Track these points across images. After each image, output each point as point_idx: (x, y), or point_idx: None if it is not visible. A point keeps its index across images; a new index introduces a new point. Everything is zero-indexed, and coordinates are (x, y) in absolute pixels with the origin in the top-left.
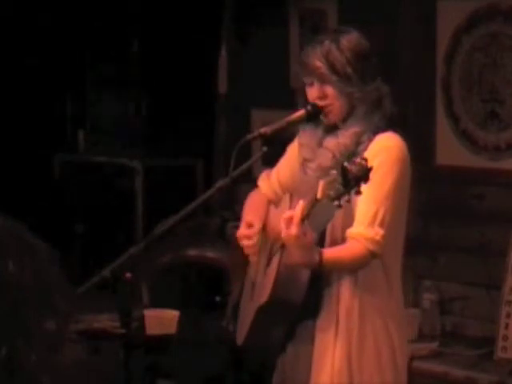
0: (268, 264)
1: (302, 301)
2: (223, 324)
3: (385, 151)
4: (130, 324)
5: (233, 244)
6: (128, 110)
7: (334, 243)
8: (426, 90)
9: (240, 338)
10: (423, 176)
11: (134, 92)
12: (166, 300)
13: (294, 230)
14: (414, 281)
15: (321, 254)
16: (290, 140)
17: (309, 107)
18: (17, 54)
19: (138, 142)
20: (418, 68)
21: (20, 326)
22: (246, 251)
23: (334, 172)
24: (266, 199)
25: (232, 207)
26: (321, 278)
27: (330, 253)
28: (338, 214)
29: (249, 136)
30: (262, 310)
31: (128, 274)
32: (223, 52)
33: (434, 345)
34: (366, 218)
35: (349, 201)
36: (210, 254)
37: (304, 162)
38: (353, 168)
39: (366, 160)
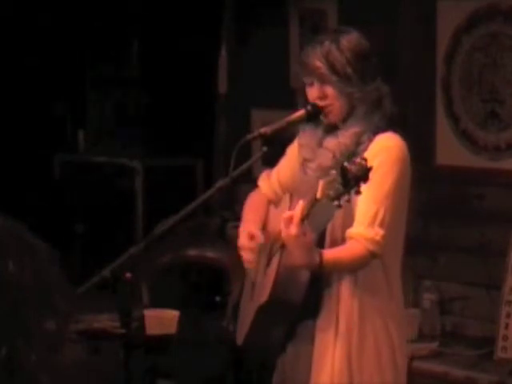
0: (268, 264)
1: (302, 301)
2: (223, 324)
3: (385, 151)
4: (130, 324)
5: (233, 244)
6: (128, 110)
7: (334, 243)
8: (426, 90)
9: (240, 338)
10: (423, 176)
11: (134, 92)
12: (166, 300)
13: (293, 229)
14: (413, 281)
15: (321, 255)
16: (290, 140)
17: (309, 107)
18: (17, 54)
19: (138, 142)
20: (418, 68)
21: (20, 326)
22: (246, 264)
23: (333, 172)
24: (266, 199)
25: (232, 207)
26: (321, 278)
27: (330, 254)
28: (338, 214)
29: (249, 136)
30: (262, 310)
31: (128, 274)
32: (223, 52)
33: (434, 345)
34: (366, 218)
35: (349, 201)
36: (210, 254)
37: (304, 162)
38: (352, 168)
39: (365, 160)
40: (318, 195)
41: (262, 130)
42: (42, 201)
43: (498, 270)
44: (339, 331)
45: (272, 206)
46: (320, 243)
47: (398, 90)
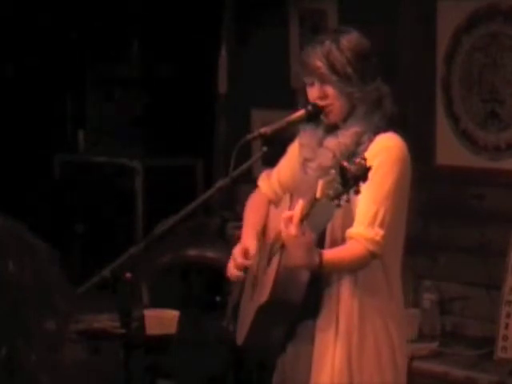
0: (268, 264)
1: (302, 301)
2: (223, 324)
3: (385, 151)
4: (130, 324)
5: (233, 244)
6: (128, 110)
7: (334, 243)
8: (426, 90)
9: (240, 338)
10: (423, 176)
11: (134, 92)
12: (166, 300)
13: (293, 229)
14: (413, 281)
15: (321, 256)
16: (290, 140)
17: (309, 107)
18: (17, 54)
19: (138, 142)
20: (418, 68)
21: (20, 326)
22: (230, 276)
23: (332, 171)
24: (266, 200)
25: (232, 207)
26: (320, 278)
27: (329, 254)
28: (338, 214)
29: (249, 136)
30: (262, 310)
31: (128, 274)
32: (223, 52)
33: (434, 345)
34: (366, 219)
35: (348, 200)
36: (210, 254)
37: (304, 161)
38: (352, 167)
39: (364, 159)
40: (318, 195)
41: (262, 129)
42: (42, 201)
43: (498, 270)
44: (339, 331)
45: (272, 206)
46: (320, 243)
47: (398, 90)
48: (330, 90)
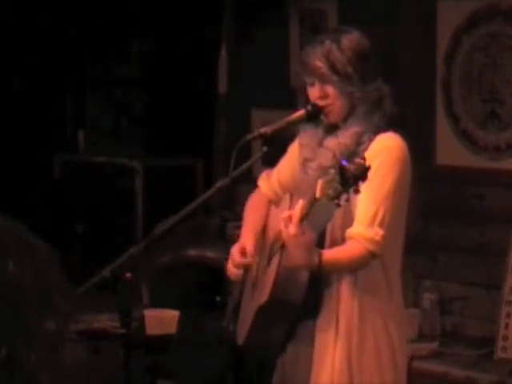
0: (268, 264)
1: (302, 301)
2: (223, 324)
3: (385, 151)
4: (130, 324)
5: (233, 244)
6: (128, 110)
7: (334, 243)
8: (426, 90)
9: (240, 338)
10: (423, 176)
11: (134, 92)
12: (166, 300)
13: (292, 229)
14: (414, 281)
15: (320, 256)
16: (290, 140)
17: (309, 107)
18: (17, 54)
19: (138, 142)
20: (418, 68)
21: (20, 326)
22: (230, 275)
23: (332, 171)
24: (266, 200)
25: (232, 207)
26: (320, 278)
27: (329, 254)
28: (338, 214)
29: (249, 136)
30: (262, 310)
31: (128, 274)
32: (223, 52)
33: (434, 345)
34: (366, 218)
35: (348, 200)
36: (210, 254)
37: (304, 161)
38: (351, 167)
39: (364, 159)
40: (317, 194)
41: (262, 129)
42: (42, 201)
43: (498, 270)
44: (339, 331)
45: (273, 206)
46: (320, 243)
47: (398, 90)
48: (330, 89)
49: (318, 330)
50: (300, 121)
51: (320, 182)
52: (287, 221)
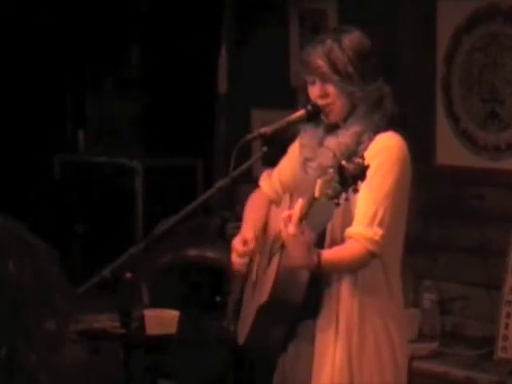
0: (268, 264)
1: (302, 301)
2: (223, 324)
3: (385, 151)
4: (130, 324)
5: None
6: (128, 110)
7: (334, 243)
8: (425, 90)
9: (241, 338)
10: (423, 176)
11: (134, 92)
12: (166, 300)
13: (291, 228)
14: (413, 281)
15: (319, 256)
16: (290, 140)
17: (309, 107)
18: (17, 54)
19: (138, 142)
20: (418, 68)
21: (20, 326)
22: (234, 267)
23: (331, 171)
24: (267, 199)
25: (232, 207)
26: (320, 278)
27: (328, 254)
28: (337, 214)
29: (249, 136)
30: (262, 310)
31: (128, 274)
32: (223, 52)
33: (434, 345)
34: (365, 218)
35: (347, 199)
36: (210, 254)
37: (305, 161)
38: (350, 166)
39: (362, 158)
40: (316, 194)
41: (262, 129)
42: (42, 201)
43: (498, 269)
44: (339, 331)
45: (273, 206)
46: (320, 243)
47: (398, 90)
48: (330, 88)
49: (319, 329)
50: (300, 121)
51: (319, 182)
52: (286, 220)
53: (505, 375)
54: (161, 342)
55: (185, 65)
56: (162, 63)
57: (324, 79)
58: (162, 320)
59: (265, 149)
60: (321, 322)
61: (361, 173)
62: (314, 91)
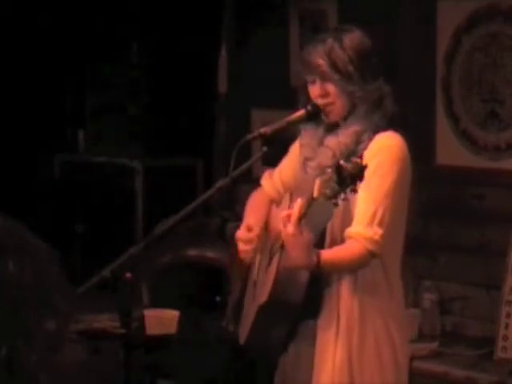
0: (269, 263)
1: (302, 301)
2: (223, 324)
3: (385, 150)
4: (130, 324)
5: (232, 244)
6: (128, 109)
7: (334, 243)
8: (425, 90)
9: (242, 338)
10: (423, 176)
11: (134, 92)
12: (166, 300)
13: (290, 228)
14: (414, 281)
15: (319, 256)
16: (290, 140)
17: (309, 107)
18: (17, 54)
19: (138, 142)
20: (418, 68)
21: (20, 326)
22: (241, 255)
23: (329, 170)
24: (267, 199)
25: (232, 207)
26: (320, 278)
27: (328, 254)
28: (337, 214)
29: (249, 136)
30: (262, 310)
31: (128, 274)
32: (223, 52)
33: (434, 345)
34: (365, 218)
35: (345, 199)
36: (210, 254)
37: (305, 161)
38: (348, 166)
39: (361, 158)
40: (315, 194)
41: (262, 129)
42: (42, 201)
43: (498, 269)
44: (340, 330)
45: (274, 206)
46: (320, 243)
47: (398, 90)
48: (331, 88)
49: (319, 329)
50: (300, 121)
51: (317, 182)
52: (286, 220)
53: (505, 375)
54: (161, 342)
55: (185, 65)
56: (162, 63)
57: (324, 78)
58: (162, 320)
59: (265, 149)
60: (321, 321)
61: (359, 172)
62: (315, 90)
